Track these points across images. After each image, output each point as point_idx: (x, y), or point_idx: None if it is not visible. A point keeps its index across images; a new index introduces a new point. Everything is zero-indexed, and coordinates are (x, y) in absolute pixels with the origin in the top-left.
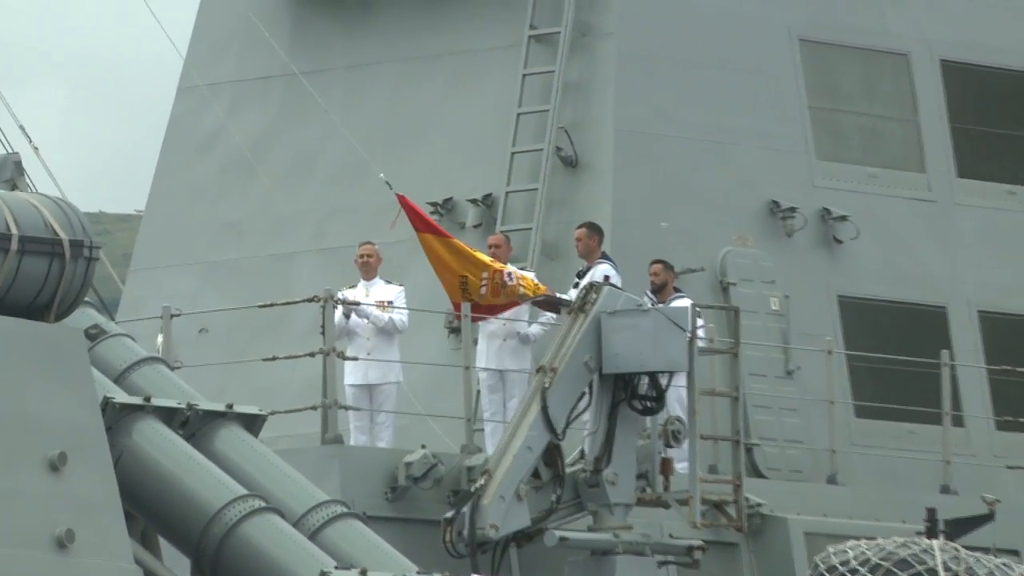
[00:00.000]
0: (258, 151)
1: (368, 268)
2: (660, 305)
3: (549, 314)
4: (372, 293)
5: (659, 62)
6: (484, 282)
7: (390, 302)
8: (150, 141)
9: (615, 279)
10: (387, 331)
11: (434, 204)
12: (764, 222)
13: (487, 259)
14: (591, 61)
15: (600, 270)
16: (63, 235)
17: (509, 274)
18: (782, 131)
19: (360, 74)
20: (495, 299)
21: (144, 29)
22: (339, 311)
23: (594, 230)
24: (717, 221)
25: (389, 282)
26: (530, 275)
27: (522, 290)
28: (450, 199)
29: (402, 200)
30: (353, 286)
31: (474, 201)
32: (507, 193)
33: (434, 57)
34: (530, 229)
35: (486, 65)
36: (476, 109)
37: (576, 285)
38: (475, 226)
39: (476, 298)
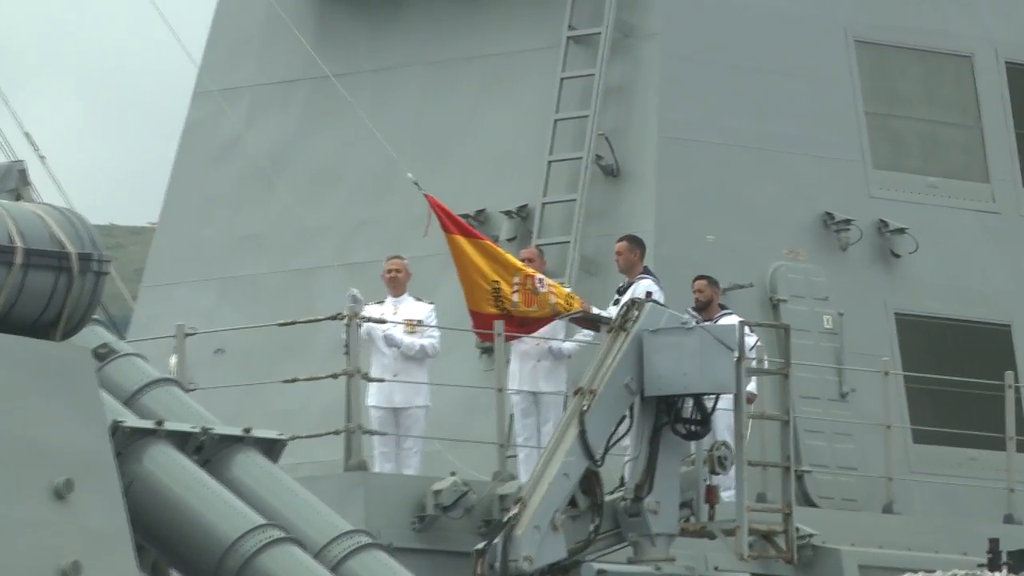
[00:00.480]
0: (278, 159)
1: (396, 284)
2: (706, 323)
3: (586, 332)
4: (401, 311)
5: (706, 65)
6: (516, 288)
7: (420, 321)
8: (164, 150)
9: (658, 295)
10: (417, 358)
11: (466, 216)
12: (817, 235)
13: (519, 263)
14: (633, 64)
15: (642, 286)
16: (71, 248)
17: (540, 280)
18: (836, 138)
19: (387, 78)
20: (528, 308)
21: (159, 34)
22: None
23: (636, 244)
24: (767, 234)
25: (419, 299)
26: (561, 283)
27: (554, 299)
28: (483, 210)
29: (431, 201)
30: (380, 302)
31: (508, 213)
32: (544, 204)
33: (466, 60)
34: (568, 243)
35: (521, 68)
36: (511, 115)
37: (616, 302)
38: (509, 239)
39: (508, 306)
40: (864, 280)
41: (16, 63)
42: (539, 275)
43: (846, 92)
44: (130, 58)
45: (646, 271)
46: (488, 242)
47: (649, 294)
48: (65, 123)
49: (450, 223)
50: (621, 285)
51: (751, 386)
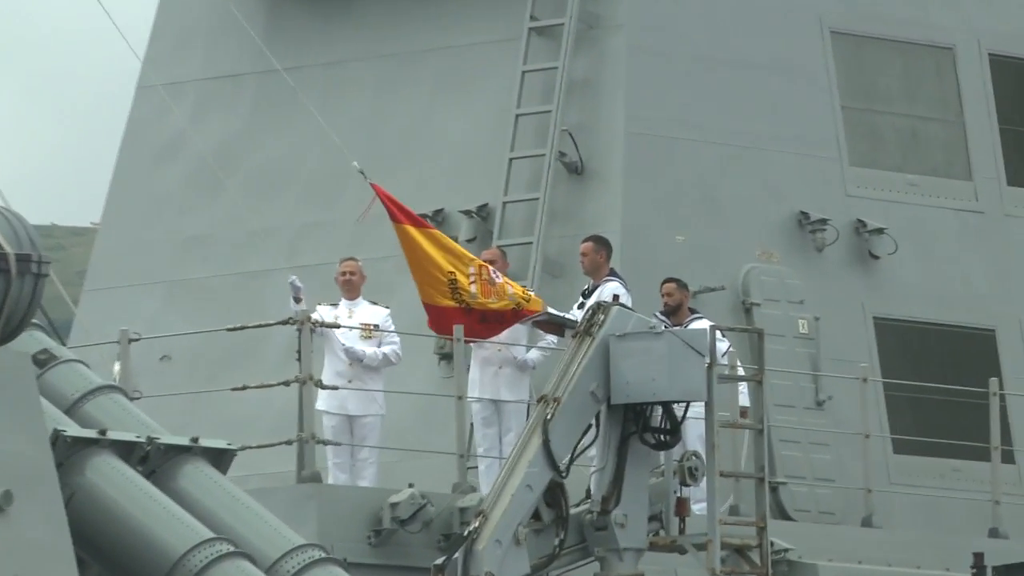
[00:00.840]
0: (226, 157)
1: (351, 287)
2: (676, 328)
3: (550, 337)
4: (356, 315)
5: (675, 58)
6: (472, 278)
7: (376, 326)
8: (109, 146)
9: (625, 299)
10: (379, 368)
11: (423, 215)
12: (791, 235)
13: (470, 253)
14: (599, 56)
15: (608, 288)
16: (8, 249)
17: (494, 271)
18: (811, 134)
19: (340, 72)
20: (486, 300)
21: (101, 24)
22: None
23: (601, 244)
24: (739, 235)
25: (374, 303)
26: (525, 287)
27: (511, 290)
28: (441, 210)
29: (378, 191)
30: (334, 304)
31: (468, 212)
32: (504, 203)
33: (422, 53)
34: (530, 243)
35: (481, 61)
36: (470, 110)
37: (581, 305)
38: (469, 240)
39: (467, 298)
40: (841, 283)
41: None
42: (491, 267)
43: (822, 85)
44: (71, 48)
45: (612, 273)
46: (439, 233)
47: (616, 297)
48: (0, 116)
49: (399, 213)
50: (586, 288)
51: (742, 399)
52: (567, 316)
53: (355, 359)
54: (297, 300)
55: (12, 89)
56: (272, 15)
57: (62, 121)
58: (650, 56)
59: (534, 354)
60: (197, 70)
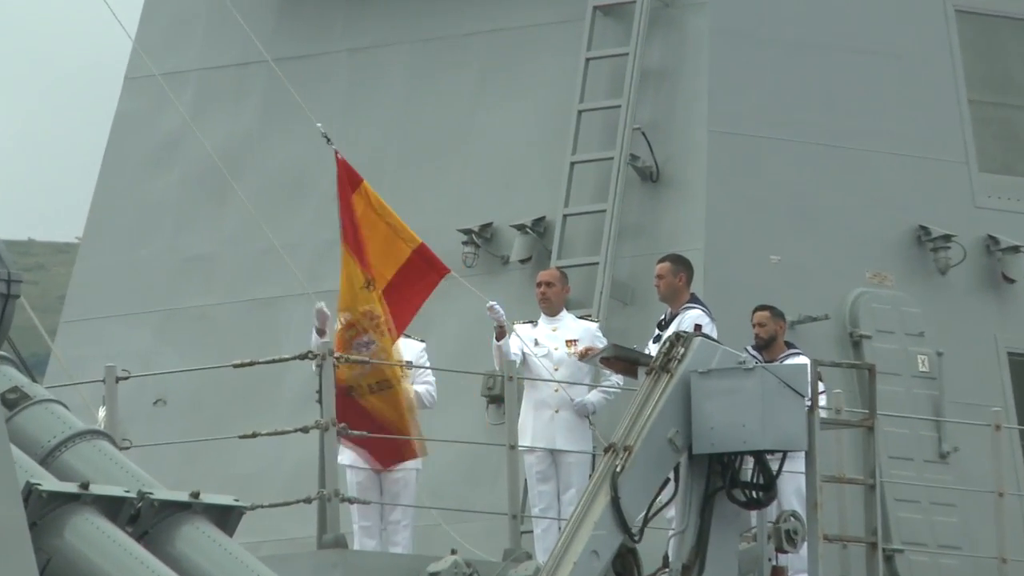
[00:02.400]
0: (232, 162)
1: None
2: (770, 364)
3: (616, 378)
4: None
5: (768, 42)
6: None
7: (410, 363)
8: (94, 151)
9: (709, 329)
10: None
11: (467, 232)
12: (909, 254)
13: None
14: (677, 41)
15: (690, 317)
16: None
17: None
18: (933, 134)
19: (368, 59)
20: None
21: (89, 10)
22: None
23: (680, 265)
24: (845, 254)
25: (407, 336)
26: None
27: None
28: (488, 225)
29: (339, 163)
30: None
31: (521, 228)
32: (565, 216)
33: (466, 37)
34: (596, 264)
35: (536, 46)
36: (523, 105)
37: (658, 338)
38: (523, 260)
39: (360, 315)
40: (968, 311)
41: None
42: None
43: (945, 75)
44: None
45: (694, 299)
46: (394, 217)
47: (698, 327)
48: None
49: (353, 180)
50: (663, 317)
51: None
52: (641, 351)
53: None
54: (320, 332)
55: None
56: None
57: (42, 117)
58: (738, 41)
59: (594, 396)
60: (197, 58)
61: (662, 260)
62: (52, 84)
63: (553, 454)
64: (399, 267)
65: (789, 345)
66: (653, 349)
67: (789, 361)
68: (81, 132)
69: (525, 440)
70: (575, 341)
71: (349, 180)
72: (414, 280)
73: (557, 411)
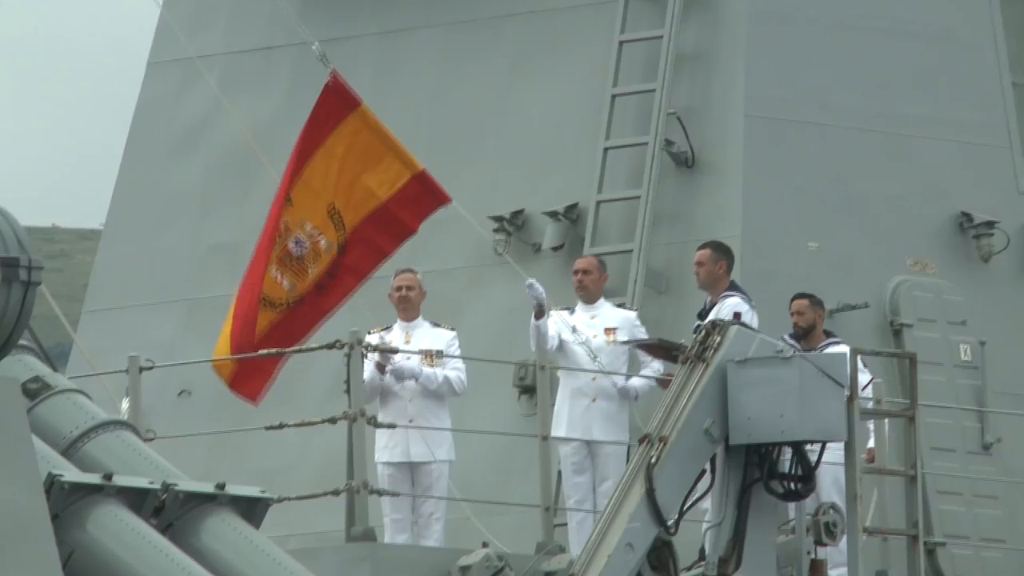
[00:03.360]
0: (258, 147)
1: (408, 305)
2: (808, 353)
3: (656, 364)
4: (414, 339)
5: (807, 24)
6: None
7: (439, 352)
8: (120, 135)
9: (749, 317)
10: (439, 394)
11: (498, 219)
12: (951, 241)
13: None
14: (713, 23)
15: (729, 305)
16: None
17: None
18: (975, 117)
19: (397, 43)
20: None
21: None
22: (370, 364)
23: (721, 252)
24: (886, 240)
25: (437, 324)
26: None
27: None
28: (520, 212)
29: (336, 78)
30: (387, 328)
31: (553, 214)
32: (598, 203)
33: (498, 20)
34: (630, 252)
35: (568, 30)
36: (554, 89)
37: (697, 328)
38: (555, 248)
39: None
40: (1012, 299)
41: None
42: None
43: (988, 58)
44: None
45: (734, 287)
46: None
47: (738, 315)
48: None
49: (346, 107)
50: (704, 307)
51: (868, 440)
52: (679, 342)
53: (404, 378)
54: (381, 370)
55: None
56: None
57: (66, 103)
58: (776, 22)
59: (638, 381)
60: (223, 41)
61: (702, 247)
62: (77, 70)
63: (589, 445)
64: (395, 190)
65: (828, 334)
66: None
67: (828, 350)
68: (108, 117)
69: (560, 430)
70: (614, 330)
71: (345, 103)
72: (410, 204)
73: (594, 400)
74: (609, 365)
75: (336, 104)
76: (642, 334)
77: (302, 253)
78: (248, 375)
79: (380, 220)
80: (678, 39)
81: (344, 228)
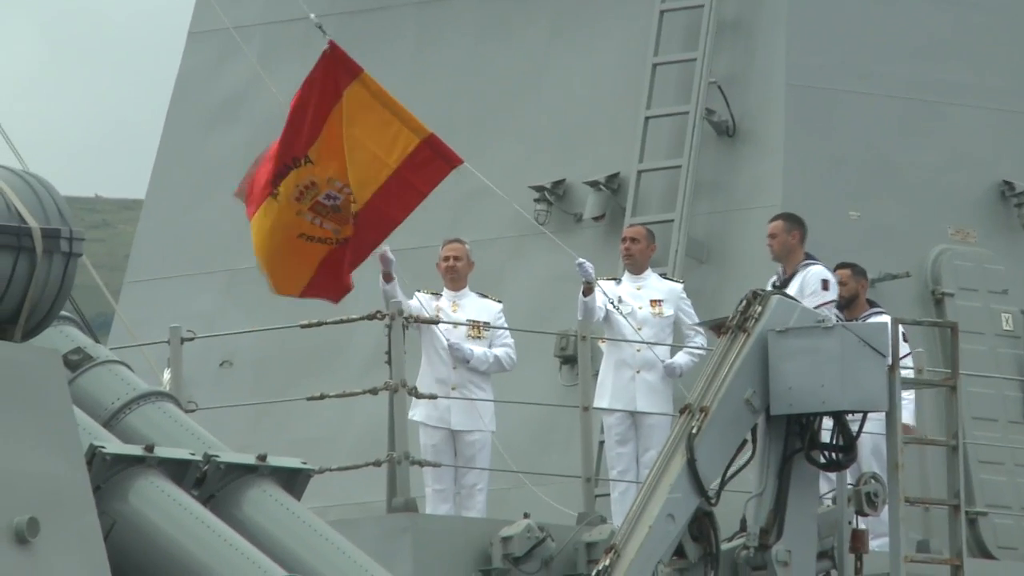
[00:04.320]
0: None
1: (456, 275)
2: (850, 323)
3: (701, 338)
4: (462, 309)
5: None
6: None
7: (486, 324)
8: (163, 105)
9: (834, 287)
10: (489, 375)
11: (540, 188)
12: (993, 210)
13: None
14: None
15: (813, 273)
16: (32, 222)
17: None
18: (1018, 84)
19: (436, 11)
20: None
21: None
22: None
23: (795, 223)
24: (927, 210)
25: (484, 296)
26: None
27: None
28: (561, 182)
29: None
30: (437, 294)
31: (594, 184)
32: (640, 172)
33: None
34: (671, 221)
35: None
36: (596, 58)
37: None
38: (596, 218)
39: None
40: None
41: None
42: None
43: None
44: None
45: (809, 257)
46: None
47: (825, 282)
48: (31, 69)
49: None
50: (778, 278)
51: (906, 414)
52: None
53: (461, 360)
54: (386, 276)
55: (42, 33)
56: None
57: (108, 74)
58: None
59: (682, 358)
60: (262, 11)
61: (773, 219)
62: (118, 40)
63: (633, 416)
64: (405, 155)
65: (871, 304)
66: None
67: (871, 320)
68: (150, 87)
69: (604, 400)
70: (660, 301)
71: (347, 70)
72: (421, 169)
73: (638, 372)
74: (654, 337)
75: (339, 71)
76: (687, 307)
77: (336, 204)
78: (323, 283)
79: (392, 188)
80: (719, 8)
81: (356, 201)
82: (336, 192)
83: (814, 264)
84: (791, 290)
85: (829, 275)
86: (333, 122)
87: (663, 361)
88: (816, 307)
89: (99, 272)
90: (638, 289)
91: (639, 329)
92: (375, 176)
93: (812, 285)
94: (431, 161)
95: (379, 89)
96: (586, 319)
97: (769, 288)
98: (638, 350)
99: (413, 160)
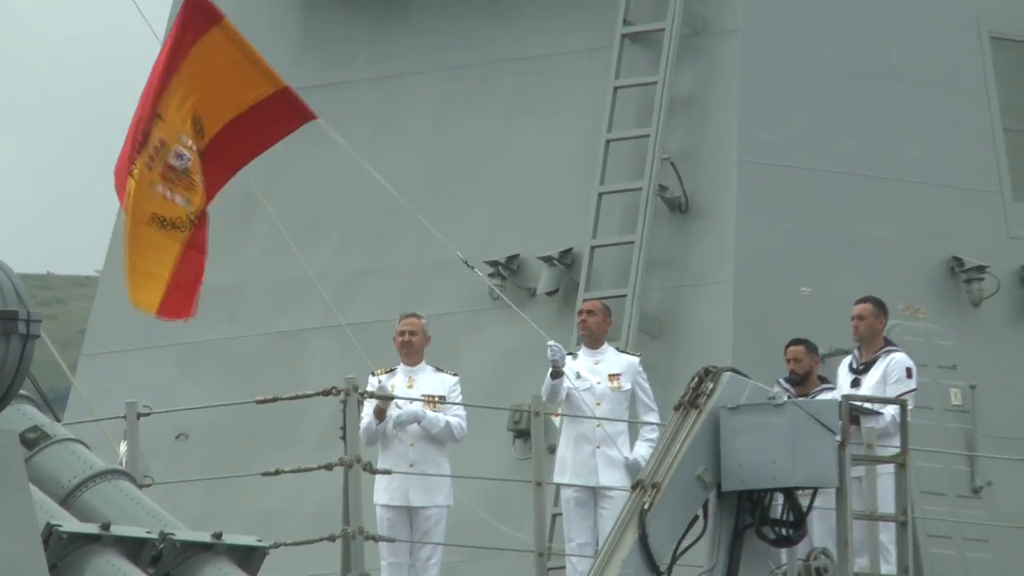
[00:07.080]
0: (255, 190)
1: (411, 350)
2: (800, 399)
3: (656, 433)
4: (417, 383)
5: (799, 69)
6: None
7: (442, 398)
8: (111, 184)
9: (915, 376)
10: (439, 439)
11: (493, 264)
12: (942, 286)
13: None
14: (707, 68)
15: (897, 361)
16: None
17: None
18: (966, 161)
19: (394, 88)
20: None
21: (113, 23)
22: (368, 409)
23: (882, 309)
24: (878, 285)
25: (440, 369)
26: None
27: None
28: (515, 257)
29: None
30: (391, 370)
31: (548, 259)
32: (593, 248)
33: (492, 64)
34: (624, 296)
35: (563, 75)
36: (550, 134)
37: (855, 383)
38: (549, 293)
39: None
40: (1002, 344)
41: None
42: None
43: (979, 102)
44: (69, 61)
45: (887, 342)
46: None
47: (910, 370)
48: None
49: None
50: (852, 361)
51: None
52: (866, 405)
53: (409, 422)
54: (379, 416)
55: None
56: (311, 19)
57: (59, 146)
58: (769, 68)
59: (642, 449)
60: None
61: (861, 301)
62: (68, 115)
63: (593, 489)
64: (256, 101)
65: (822, 380)
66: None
67: (820, 396)
68: (100, 165)
69: (564, 476)
70: (618, 375)
71: (208, 16)
72: (273, 117)
73: (598, 447)
74: (612, 412)
75: (198, 18)
76: (644, 381)
77: (186, 166)
78: (176, 300)
79: (241, 128)
80: (672, 85)
81: (204, 136)
82: (184, 150)
83: (896, 351)
84: (873, 376)
85: (912, 363)
86: (184, 69)
87: (627, 459)
88: (900, 395)
89: (54, 348)
90: (596, 364)
91: (598, 404)
92: (223, 113)
93: (897, 373)
94: (283, 112)
95: (238, 36)
96: (550, 400)
97: (845, 371)
98: (597, 425)
99: (266, 106)
